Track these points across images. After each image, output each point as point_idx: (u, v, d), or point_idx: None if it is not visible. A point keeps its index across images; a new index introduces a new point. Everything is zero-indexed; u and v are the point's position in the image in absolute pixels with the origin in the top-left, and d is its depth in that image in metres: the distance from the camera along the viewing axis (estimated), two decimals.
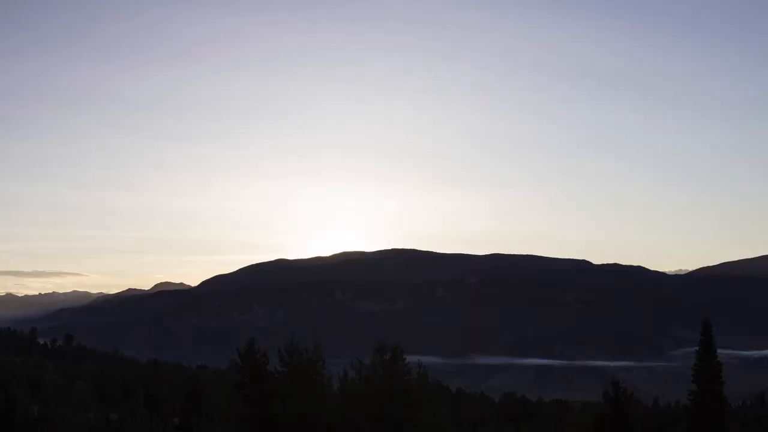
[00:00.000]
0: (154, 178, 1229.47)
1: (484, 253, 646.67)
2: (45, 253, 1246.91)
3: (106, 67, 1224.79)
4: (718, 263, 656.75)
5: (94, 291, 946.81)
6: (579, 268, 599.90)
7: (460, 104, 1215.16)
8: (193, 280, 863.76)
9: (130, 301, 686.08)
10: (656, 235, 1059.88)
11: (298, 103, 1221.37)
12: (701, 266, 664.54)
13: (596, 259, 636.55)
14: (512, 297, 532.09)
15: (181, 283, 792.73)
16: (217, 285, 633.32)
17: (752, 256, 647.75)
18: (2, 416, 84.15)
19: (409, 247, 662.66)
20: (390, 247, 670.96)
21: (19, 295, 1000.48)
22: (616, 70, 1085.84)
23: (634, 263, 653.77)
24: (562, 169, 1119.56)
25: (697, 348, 58.97)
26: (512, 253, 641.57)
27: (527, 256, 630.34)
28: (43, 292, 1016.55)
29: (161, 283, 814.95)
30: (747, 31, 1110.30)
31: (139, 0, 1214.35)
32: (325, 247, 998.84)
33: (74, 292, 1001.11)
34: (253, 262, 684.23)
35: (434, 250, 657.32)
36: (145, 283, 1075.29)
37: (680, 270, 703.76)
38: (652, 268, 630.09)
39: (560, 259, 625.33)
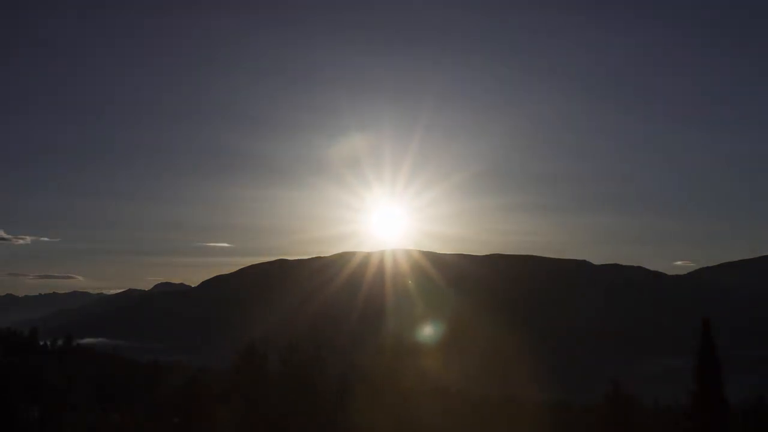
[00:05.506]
0: (154, 179, 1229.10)
1: (484, 254, 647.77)
2: (45, 253, 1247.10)
3: (105, 71, 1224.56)
4: (718, 263, 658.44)
5: (94, 291, 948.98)
6: (579, 268, 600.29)
7: (461, 104, 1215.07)
8: (193, 281, 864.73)
9: (130, 301, 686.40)
10: (656, 235, 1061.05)
11: (298, 103, 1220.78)
12: (701, 266, 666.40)
13: (596, 259, 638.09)
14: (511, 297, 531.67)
15: (181, 284, 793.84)
16: (217, 285, 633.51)
17: (752, 256, 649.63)
18: (2, 417, 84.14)
19: (409, 248, 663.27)
20: (390, 248, 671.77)
21: (19, 295, 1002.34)
22: (617, 70, 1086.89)
23: (634, 263, 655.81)
24: (562, 169, 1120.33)
25: (697, 348, 58.86)
26: (512, 253, 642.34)
27: (527, 256, 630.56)
28: (43, 292, 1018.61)
29: (161, 283, 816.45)
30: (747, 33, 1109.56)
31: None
32: (326, 247, 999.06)
33: (74, 292, 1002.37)
34: (253, 263, 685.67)
35: (434, 250, 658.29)
36: (145, 284, 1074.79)
37: (680, 270, 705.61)
38: (652, 268, 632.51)
39: (560, 259, 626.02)
